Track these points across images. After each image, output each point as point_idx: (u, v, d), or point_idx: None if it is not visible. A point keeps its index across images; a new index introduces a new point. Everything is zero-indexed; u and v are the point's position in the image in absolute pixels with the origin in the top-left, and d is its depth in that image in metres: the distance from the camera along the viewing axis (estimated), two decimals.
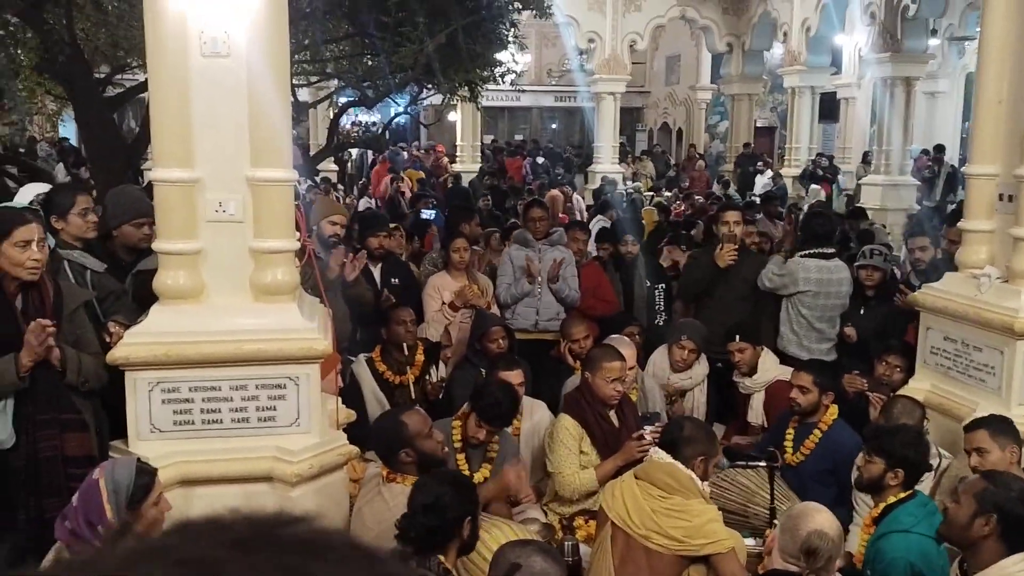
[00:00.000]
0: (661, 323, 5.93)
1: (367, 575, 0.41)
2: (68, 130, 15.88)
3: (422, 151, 19.97)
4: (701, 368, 5.04)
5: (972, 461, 3.35)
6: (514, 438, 4.08)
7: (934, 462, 3.74)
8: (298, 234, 3.46)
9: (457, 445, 3.73)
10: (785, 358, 5.21)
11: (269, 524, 0.42)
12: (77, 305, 3.24)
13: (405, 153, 18.79)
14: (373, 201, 13.05)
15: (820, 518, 2.60)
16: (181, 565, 0.38)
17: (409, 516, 2.66)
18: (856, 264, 5.56)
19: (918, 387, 4.39)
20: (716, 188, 15.16)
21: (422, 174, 15.72)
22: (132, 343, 3.19)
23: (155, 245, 3.30)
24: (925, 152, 16.15)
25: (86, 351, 3.19)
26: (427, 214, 8.68)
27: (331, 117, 8.60)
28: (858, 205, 10.94)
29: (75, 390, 3.12)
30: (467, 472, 3.68)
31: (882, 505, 3.26)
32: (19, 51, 6.36)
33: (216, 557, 0.39)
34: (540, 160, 18.64)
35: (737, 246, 5.48)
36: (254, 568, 0.38)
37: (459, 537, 2.68)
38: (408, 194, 12.45)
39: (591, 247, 6.62)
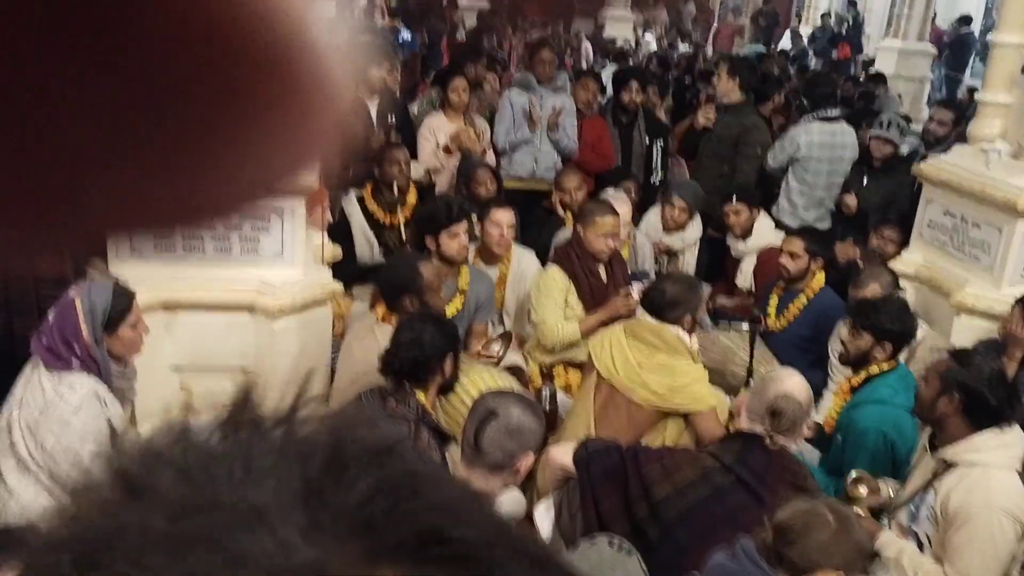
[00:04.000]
0: (657, 181, 5.80)
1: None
2: None
3: None
4: (694, 230, 4.98)
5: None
6: (488, 275, 4.06)
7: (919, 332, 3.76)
8: None
9: None
10: (778, 227, 5.17)
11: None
12: None
13: None
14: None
15: (790, 383, 2.61)
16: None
17: (392, 351, 2.69)
18: (870, 134, 5.40)
19: (910, 259, 4.36)
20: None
21: None
22: None
23: None
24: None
25: None
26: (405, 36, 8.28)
27: None
28: (876, 70, 10.51)
29: None
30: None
31: (864, 374, 3.29)
32: None
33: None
34: None
35: (716, 105, 5.51)
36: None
37: (440, 373, 2.72)
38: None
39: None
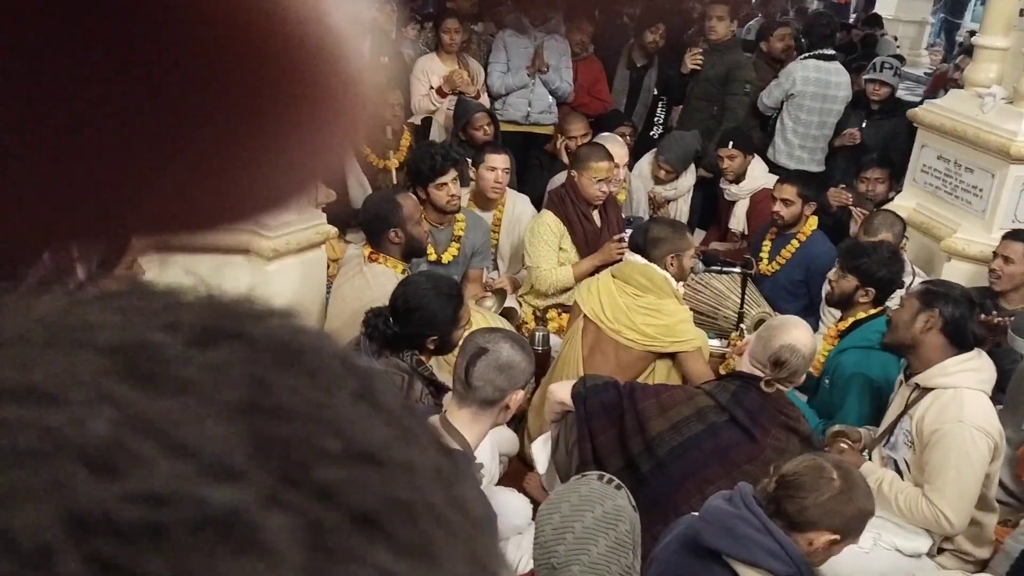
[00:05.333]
0: (656, 136, 5.65)
1: (344, 393, 0.23)
2: None
3: None
4: (687, 178, 4.98)
5: (994, 263, 3.45)
6: (484, 221, 4.06)
7: (907, 279, 3.78)
8: None
9: None
10: (773, 167, 5.15)
11: (236, 313, 0.25)
12: None
13: None
14: None
15: (797, 333, 2.63)
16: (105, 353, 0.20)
17: (379, 314, 2.55)
18: (865, 77, 5.37)
19: (903, 204, 4.37)
20: None
21: None
22: None
23: None
24: None
25: None
26: None
27: None
28: (874, 12, 10.38)
29: None
30: (435, 255, 3.69)
31: (851, 319, 3.32)
32: None
33: (157, 345, 0.21)
34: None
35: (703, 49, 5.43)
36: (209, 369, 0.21)
37: (431, 343, 2.59)
38: None
39: None
